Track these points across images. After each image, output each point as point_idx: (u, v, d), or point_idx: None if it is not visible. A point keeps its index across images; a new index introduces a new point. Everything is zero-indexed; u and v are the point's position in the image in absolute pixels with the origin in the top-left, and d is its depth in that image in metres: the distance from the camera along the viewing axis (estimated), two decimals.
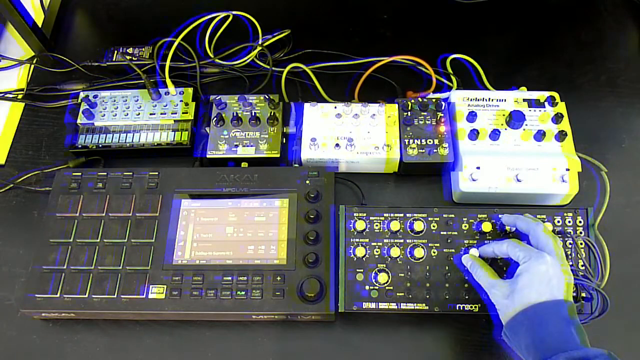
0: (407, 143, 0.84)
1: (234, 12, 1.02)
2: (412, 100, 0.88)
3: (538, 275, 0.64)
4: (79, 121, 0.91)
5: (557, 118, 0.85)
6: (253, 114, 0.89)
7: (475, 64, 0.97)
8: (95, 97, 0.94)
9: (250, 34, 1.00)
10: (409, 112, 0.87)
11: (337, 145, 0.85)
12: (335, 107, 0.89)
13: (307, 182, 0.82)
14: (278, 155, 0.87)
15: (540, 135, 0.83)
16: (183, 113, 0.92)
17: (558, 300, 0.63)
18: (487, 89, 0.96)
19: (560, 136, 0.83)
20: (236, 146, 0.87)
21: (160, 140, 0.90)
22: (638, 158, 0.90)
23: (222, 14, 1.02)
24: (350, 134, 0.86)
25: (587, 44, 1.04)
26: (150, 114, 0.92)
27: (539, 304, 0.63)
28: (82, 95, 0.94)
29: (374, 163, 0.86)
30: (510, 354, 0.73)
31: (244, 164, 0.86)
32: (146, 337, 0.77)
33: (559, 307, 0.63)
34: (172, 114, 0.92)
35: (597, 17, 1.08)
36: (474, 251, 0.74)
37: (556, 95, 0.87)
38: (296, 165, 0.87)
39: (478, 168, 0.81)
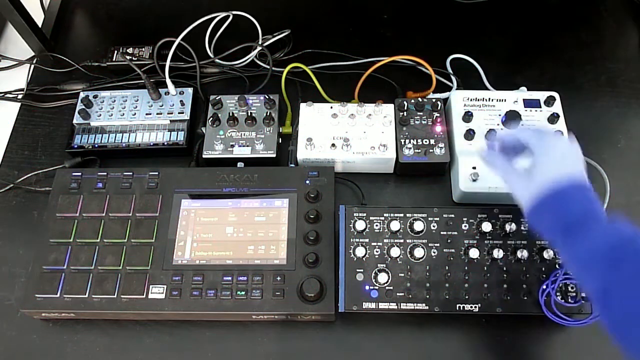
0: (403, 143, 0.85)
1: (234, 12, 1.02)
2: (413, 101, 0.88)
3: (553, 154, 0.62)
4: (75, 121, 0.92)
5: (553, 118, 0.85)
6: (249, 114, 0.89)
7: (475, 64, 0.98)
8: (95, 97, 0.94)
9: (252, 34, 1.00)
10: (405, 112, 0.87)
11: (333, 145, 0.85)
12: (332, 107, 0.89)
13: (307, 182, 0.82)
14: (274, 156, 0.87)
15: None
16: (179, 113, 0.92)
17: (576, 178, 0.60)
18: (487, 89, 0.96)
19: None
20: (232, 146, 0.87)
21: (157, 140, 0.90)
22: (637, 158, 0.90)
23: (222, 14, 1.02)
24: (347, 133, 0.86)
25: (587, 44, 1.04)
26: (147, 114, 0.92)
27: (558, 185, 0.59)
28: (81, 95, 0.94)
29: (370, 163, 0.86)
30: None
31: (240, 164, 0.86)
32: (146, 337, 0.77)
33: (579, 185, 0.60)
34: (168, 114, 0.92)
35: (597, 17, 1.08)
36: (486, 152, 0.71)
37: (556, 95, 0.87)
38: (292, 165, 0.87)
39: (474, 168, 0.81)
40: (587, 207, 0.58)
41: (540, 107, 0.87)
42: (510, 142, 0.69)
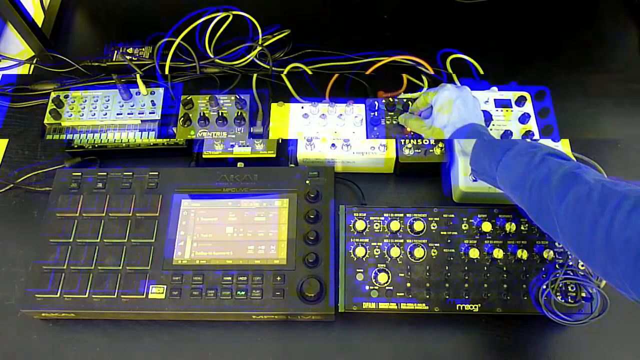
0: (403, 143, 0.84)
1: (234, 12, 1.02)
2: (384, 100, 0.88)
3: (442, 100, 0.77)
4: (46, 121, 0.91)
5: (524, 118, 0.85)
6: (220, 114, 0.89)
7: (474, 62, 0.98)
8: (65, 97, 0.93)
9: (250, 33, 1.00)
10: (376, 112, 0.87)
11: (332, 145, 0.85)
12: (302, 107, 0.89)
13: (307, 181, 0.82)
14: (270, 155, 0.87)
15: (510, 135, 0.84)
16: (150, 113, 0.91)
17: (466, 121, 0.75)
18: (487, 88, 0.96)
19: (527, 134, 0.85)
20: (232, 146, 0.88)
21: (128, 139, 0.90)
22: (637, 159, 0.90)
23: (222, 14, 1.02)
24: (318, 133, 0.86)
25: (587, 44, 1.04)
26: (118, 114, 0.91)
27: (455, 129, 0.76)
28: (52, 95, 0.93)
29: (370, 163, 0.86)
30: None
31: (240, 164, 0.87)
32: (146, 337, 0.77)
33: (470, 127, 0.74)
34: (139, 113, 0.91)
35: (597, 17, 1.08)
36: (402, 115, 0.86)
37: (527, 95, 0.88)
38: (292, 165, 0.87)
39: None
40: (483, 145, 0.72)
41: (512, 107, 0.87)
42: (422, 105, 0.83)
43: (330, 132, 0.86)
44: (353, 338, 0.76)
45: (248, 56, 0.99)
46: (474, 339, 0.76)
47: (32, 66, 1.03)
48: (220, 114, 0.89)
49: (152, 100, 0.92)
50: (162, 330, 0.77)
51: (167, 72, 0.93)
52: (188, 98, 0.91)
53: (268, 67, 0.97)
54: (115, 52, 1.01)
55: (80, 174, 0.84)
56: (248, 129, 0.89)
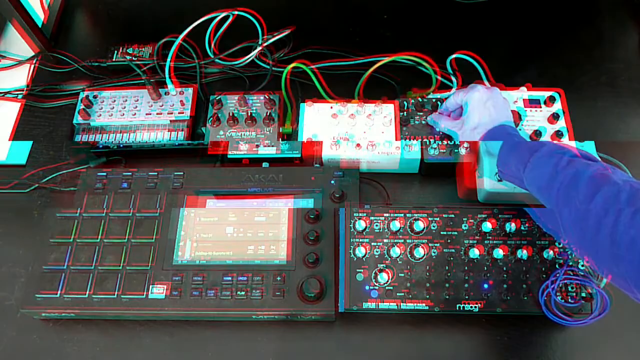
0: (428, 143, 0.85)
1: (236, 12, 1.02)
2: (412, 101, 0.88)
3: (474, 102, 0.77)
4: (75, 121, 0.92)
5: (553, 117, 0.85)
6: (249, 114, 0.89)
7: (481, 62, 0.97)
8: (95, 97, 0.94)
9: (252, 33, 1.00)
10: (405, 112, 0.87)
11: (358, 145, 0.85)
12: (332, 107, 0.89)
13: (332, 182, 0.81)
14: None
15: (539, 134, 0.84)
16: (179, 113, 0.92)
17: (499, 121, 0.75)
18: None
19: (557, 134, 0.84)
20: (257, 146, 0.88)
21: (156, 139, 0.90)
22: (636, 158, 0.90)
23: (224, 14, 1.02)
24: (347, 134, 0.86)
25: (587, 44, 1.04)
26: (147, 114, 0.92)
27: (485, 130, 0.76)
28: (81, 95, 0.94)
29: (394, 162, 0.86)
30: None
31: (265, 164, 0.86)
32: (146, 337, 0.77)
33: (500, 128, 0.75)
34: (168, 114, 0.92)
35: (597, 17, 1.08)
36: (433, 115, 0.87)
37: (560, 93, 0.87)
38: (317, 165, 0.86)
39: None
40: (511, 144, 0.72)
41: (541, 105, 0.87)
42: (453, 106, 0.84)
43: (359, 132, 0.86)
44: (353, 338, 0.76)
45: (249, 56, 0.99)
46: (475, 339, 0.76)
47: (34, 66, 1.03)
48: (249, 114, 0.89)
49: (181, 100, 0.93)
50: (163, 330, 0.77)
51: (167, 72, 0.92)
52: (218, 98, 0.91)
53: (268, 67, 0.97)
54: (116, 51, 1.01)
55: (105, 174, 0.84)
56: (277, 129, 0.89)
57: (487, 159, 0.80)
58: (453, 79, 0.96)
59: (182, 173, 0.83)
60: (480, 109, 0.77)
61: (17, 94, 1.01)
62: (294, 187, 0.81)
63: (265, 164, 0.86)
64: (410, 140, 0.85)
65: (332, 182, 0.82)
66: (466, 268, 0.74)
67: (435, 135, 0.86)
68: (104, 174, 0.84)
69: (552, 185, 0.62)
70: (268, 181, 0.82)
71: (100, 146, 0.90)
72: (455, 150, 0.84)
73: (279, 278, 0.75)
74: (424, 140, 0.85)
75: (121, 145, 0.90)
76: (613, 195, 0.54)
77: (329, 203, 0.80)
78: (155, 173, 0.83)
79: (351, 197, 0.80)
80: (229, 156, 0.87)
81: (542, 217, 0.74)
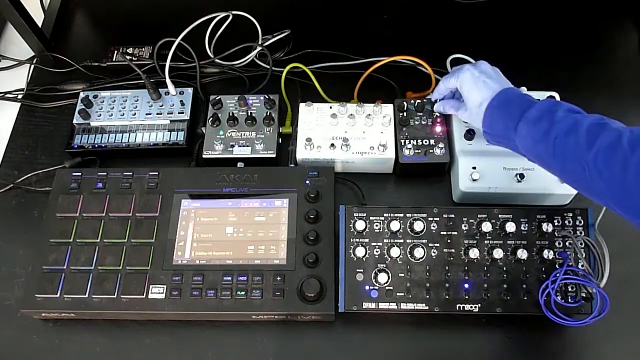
0: (403, 144, 0.85)
1: (234, 12, 1.02)
2: (412, 101, 0.88)
3: (468, 82, 0.75)
4: (75, 121, 0.92)
5: None
6: (249, 114, 0.89)
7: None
8: (95, 97, 0.94)
9: (251, 34, 1.00)
10: (404, 113, 0.88)
11: (332, 145, 0.85)
12: (331, 107, 0.89)
13: (307, 182, 0.82)
14: (274, 156, 0.87)
15: None
16: (179, 113, 0.92)
17: (496, 91, 0.72)
18: None
19: None
20: (232, 146, 0.87)
21: (157, 140, 0.90)
22: None
23: (222, 14, 1.02)
24: (346, 133, 0.86)
25: (587, 44, 1.04)
26: (147, 114, 0.92)
27: (486, 104, 0.72)
28: (81, 95, 0.94)
29: (370, 163, 0.86)
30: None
31: (240, 164, 0.86)
32: (146, 337, 0.77)
33: (503, 94, 0.72)
34: (168, 114, 0.92)
35: (597, 17, 1.08)
36: (436, 104, 0.86)
37: (555, 95, 0.87)
38: (292, 165, 0.87)
39: (474, 168, 0.81)
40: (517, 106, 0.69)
41: None
42: (444, 91, 0.83)
43: (359, 133, 0.86)
44: (353, 338, 0.76)
45: (248, 56, 0.99)
46: (474, 339, 0.76)
47: (32, 66, 1.03)
48: (249, 114, 0.89)
49: (180, 100, 0.93)
50: (162, 330, 0.77)
51: (167, 72, 0.92)
52: (217, 98, 0.91)
53: (267, 67, 0.97)
54: (115, 52, 1.01)
55: (80, 174, 0.84)
56: (277, 129, 0.89)
57: (461, 158, 0.80)
58: None
59: (157, 173, 0.83)
60: (479, 86, 0.75)
61: (16, 95, 1.01)
62: (269, 187, 0.82)
63: (240, 164, 0.86)
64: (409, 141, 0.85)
65: (307, 182, 0.82)
66: (466, 268, 0.75)
67: (436, 136, 0.85)
68: (79, 174, 0.84)
69: (547, 137, 0.63)
70: (243, 181, 0.82)
71: (75, 146, 0.90)
72: (430, 151, 0.84)
73: (278, 278, 0.75)
74: (400, 140, 0.85)
75: (96, 146, 0.90)
76: (615, 139, 0.57)
77: (304, 203, 0.80)
78: (130, 173, 0.83)
79: (326, 197, 0.80)
80: (204, 156, 0.87)
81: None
